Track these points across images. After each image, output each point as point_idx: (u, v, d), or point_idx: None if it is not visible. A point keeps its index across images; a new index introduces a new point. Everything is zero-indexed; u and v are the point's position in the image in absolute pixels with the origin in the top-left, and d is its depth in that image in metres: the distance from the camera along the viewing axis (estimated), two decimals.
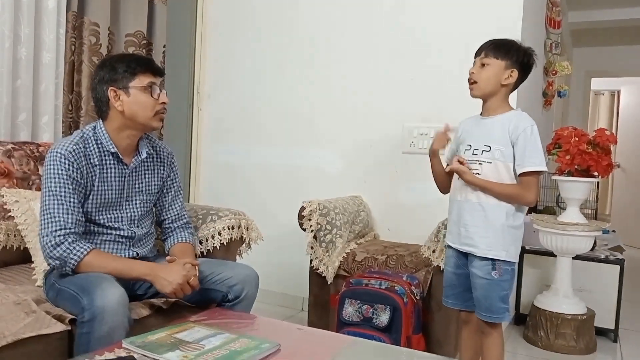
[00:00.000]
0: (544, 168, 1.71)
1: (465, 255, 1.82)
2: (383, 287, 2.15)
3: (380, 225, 2.94)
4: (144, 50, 2.88)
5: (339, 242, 2.51)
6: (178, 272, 1.53)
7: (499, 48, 1.75)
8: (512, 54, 1.74)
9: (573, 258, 2.71)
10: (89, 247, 1.53)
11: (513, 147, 1.71)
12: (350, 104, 3.00)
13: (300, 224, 2.48)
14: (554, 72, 3.39)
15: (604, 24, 5.22)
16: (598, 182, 2.88)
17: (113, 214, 1.67)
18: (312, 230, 2.46)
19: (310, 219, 2.46)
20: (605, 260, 2.86)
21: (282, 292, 3.14)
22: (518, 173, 1.72)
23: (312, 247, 2.49)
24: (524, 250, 2.98)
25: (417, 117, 2.80)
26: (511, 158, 1.72)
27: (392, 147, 2.88)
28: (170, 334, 1.33)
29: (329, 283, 2.45)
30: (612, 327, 2.84)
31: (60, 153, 1.55)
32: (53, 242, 1.50)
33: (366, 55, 2.96)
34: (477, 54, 1.79)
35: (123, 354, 1.20)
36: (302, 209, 2.47)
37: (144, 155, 1.71)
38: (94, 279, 1.44)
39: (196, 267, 1.61)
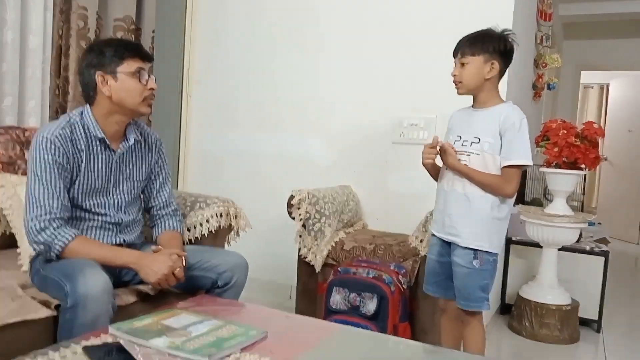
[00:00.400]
0: (529, 162, 1.72)
1: (449, 244, 1.84)
2: (371, 275, 2.17)
3: (369, 214, 2.94)
4: (132, 36, 2.84)
5: (327, 231, 2.51)
6: (164, 263, 1.53)
7: (474, 43, 1.75)
8: (488, 46, 1.74)
9: (559, 249, 2.74)
10: (74, 233, 1.52)
11: (501, 139, 1.72)
12: (340, 93, 2.99)
13: (289, 213, 2.48)
14: (544, 64, 3.40)
15: (595, 17, 5.24)
16: (585, 175, 2.91)
17: (100, 199, 1.66)
18: (300, 219, 2.46)
19: (299, 208, 2.46)
20: (590, 252, 2.90)
21: (270, 280, 3.14)
22: (502, 165, 1.73)
23: (300, 236, 2.49)
24: (510, 241, 3.01)
25: (407, 107, 2.80)
26: (499, 150, 1.73)
27: (382, 137, 2.88)
28: (157, 320, 1.33)
29: (317, 272, 2.46)
30: (596, 317, 2.88)
31: (47, 137, 1.53)
32: (38, 227, 1.48)
33: (357, 45, 2.95)
34: (455, 55, 1.79)
35: (109, 339, 1.20)
36: (291, 197, 2.47)
37: (132, 141, 1.69)
38: (77, 266, 1.42)
39: (183, 258, 1.60)
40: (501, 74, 1.79)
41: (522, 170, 1.77)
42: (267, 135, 3.21)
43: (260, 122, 3.23)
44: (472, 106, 1.84)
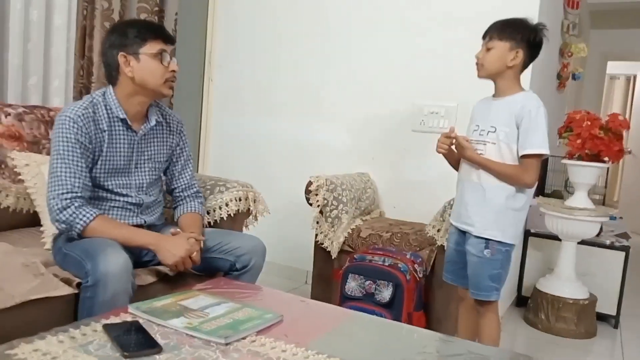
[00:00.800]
0: (546, 151, 1.70)
1: (465, 233, 1.83)
2: (386, 263, 2.17)
3: (387, 203, 2.94)
4: (155, 17, 2.85)
5: (344, 218, 2.51)
6: (182, 246, 1.55)
7: (503, 29, 1.73)
8: (517, 34, 1.72)
9: (578, 243, 2.70)
10: (95, 212, 1.54)
11: (518, 128, 1.70)
12: (361, 80, 2.98)
13: (307, 199, 2.49)
14: (569, 54, 3.33)
15: (624, 5, 5.10)
16: (608, 168, 2.86)
17: (121, 180, 1.68)
18: (318, 205, 2.47)
19: (317, 194, 2.46)
20: (610, 247, 2.86)
21: (286, 265, 3.17)
22: (520, 154, 1.71)
23: (317, 222, 2.50)
24: (528, 233, 2.98)
25: (428, 95, 2.77)
26: (515, 140, 1.71)
27: (402, 124, 2.86)
28: (175, 301, 1.35)
29: (333, 258, 2.47)
30: (614, 313, 2.85)
31: (69, 117, 1.55)
32: (60, 206, 1.51)
33: (378, 31, 2.92)
34: (484, 37, 1.77)
35: (129, 318, 1.22)
36: (309, 184, 2.48)
37: (153, 122, 1.71)
38: (98, 244, 1.45)
39: (200, 242, 1.62)
40: (525, 65, 1.77)
41: (542, 159, 1.74)
42: (287, 121, 3.21)
43: (281, 107, 3.23)
44: (493, 96, 1.82)
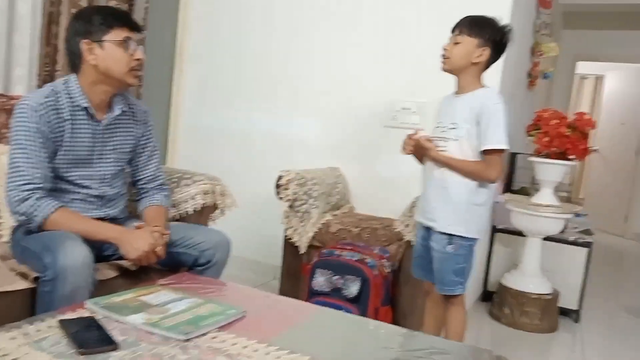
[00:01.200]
0: (506, 146, 1.72)
1: (429, 229, 1.85)
2: (354, 258, 2.17)
3: (358, 198, 2.94)
4: (126, 6, 2.78)
5: (314, 213, 2.51)
6: (145, 240, 1.52)
7: (473, 25, 1.74)
8: (486, 32, 1.74)
9: (543, 239, 2.76)
10: (56, 204, 1.50)
11: (478, 124, 1.72)
12: (334, 74, 2.97)
13: (277, 193, 2.47)
14: (540, 53, 3.38)
15: (596, 7, 5.21)
16: (575, 166, 2.92)
17: (83, 171, 1.64)
18: (288, 200, 2.46)
19: (287, 189, 2.45)
20: (574, 243, 2.92)
21: (255, 260, 3.15)
22: (481, 150, 1.73)
23: (287, 217, 2.49)
24: (495, 229, 3.02)
25: (400, 91, 2.78)
26: (476, 136, 1.73)
27: (374, 119, 2.86)
28: (135, 296, 1.33)
29: (301, 253, 2.47)
30: (576, 307, 2.92)
31: (30, 105, 1.51)
32: (19, 197, 1.47)
33: (351, 26, 2.91)
34: (453, 30, 1.78)
35: (86, 314, 1.19)
36: (279, 178, 2.46)
37: (118, 112, 1.67)
38: (58, 238, 1.41)
39: (165, 236, 1.59)
40: (487, 64, 1.79)
41: (503, 154, 1.77)
42: (258, 114, 3.18)
43: (253, 100, 3.19)
44: (455, 92, 1.84)
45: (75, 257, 1.36)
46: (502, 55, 1.80)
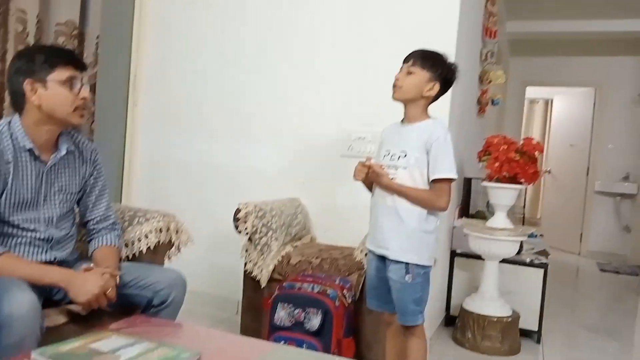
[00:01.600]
0: (455, 176, 1.78)
1: (383, 259, 1.86)
2: (315, 290, 2.15)
3: (318, 227, 2.94)
4: (75, 41, 2.74)
5: (274, 245, 2.48)
6: (95, 282, 1.47)
7: (426, 59, 1.80)
8: (437, 68, 1.79)
9: (500, 262, 2.81)
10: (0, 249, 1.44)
11: (427, 154, 1.76)
12: (291, 105, 2.99)
13: (236, 227, 2.44)
14: (488, 80, 3.51)
15: (541, 35, 5.48)
16: (526, 188, 3.00)
17: (29, 214, 1.58)
18: (247, 233, 2.43)
19: (245, 221, 2.42)
20: (530, 264, 2.98)
21: (217, 295, 3.08)
22: (430, 179, 1.77)
23: (246, 250, 2.45)
24: (454, 254, 3.07)
25: (355, 121, 2.82)
26: (425, 164, 1.77)
27: (331, 149, 2.88)
28: (85, 343, 1.27)
29: (262, 287, 2.43)
30: (536, 328, 2.97)
31: None
32: None
33: (306, 57, 2.95)
34: (406, 61, 1.83)
35: None
36: (238, 211, 2.43)
37: (64, 152, 1.62)
38: (3, 284, 1.35)
39: (116, 277, 1.55)
40: (435, 97, 1.84)
41: (451, 183, 1.81)
42: (216, 146, 3.16)
43: (209, 132, 3.18)
44: (402, 121, 1.88)
45: (20, 304, 1.30)
46: (445, 92, 1.86)
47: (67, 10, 2.70)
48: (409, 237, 1.78)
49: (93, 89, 2.80)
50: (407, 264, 1.78)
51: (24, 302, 1.31)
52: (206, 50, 3.18)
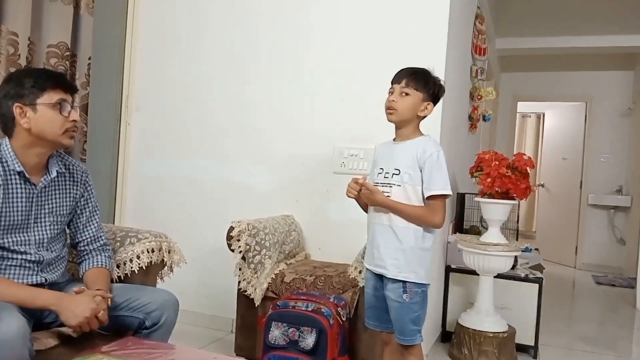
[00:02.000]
0: (449, 192, 1.78)
1: (381, 277, 1.85)
2: (310, 309, 2.14)
3: (312, 244, 2.93)
4: (67, 63, 2.75)
5: (267, 264, 2.47)
6: (86, 305, 1.46)
7: (419, 80, 1.80)
8: (429, 87, 1.81)
9: (495, 277, 2.80)
10: None
11: (421, 171, 1.77)
12: (284, 122, 3.00)
13: (229, 245, 2.43)
14: (479, 97, 3.54)
15: (531, 51, 5.56)
16: (518, 204, 3.01)
17: (19, 237, 1.57)
18: (240, 252, 2.42)
19: (238, 240, 2.42)
20: (525, 279, 2.98)
21: (211, 314, 3.06)
22: (425, 196, 1.78)
23: (240, 269, 2.44)
24: (449, 269, 3.06)
25: (348, 138, 2.84)
26: (419, 182, 1.78)
27: (324, 166, 2.89)
28: None
29: (256, 305, 2.41)
30: (532, 343, 2.95)
31: None
32: None
33: (298, 75, 2.97)
34: (397, 81, 1.83)
35: None
36: (231, 229, 2.43)
37: (54, 174, 1.62)
38: None
39: (107, 300, 1.54)
40: (426, 116, 1.86)
41: (446, 199, 1.81)
42: (208, 164, 3.16)
43: (202, 150, 3.18)
44: (394, 139, 1.89)
45: (9, 328, 1.28)
46: (436, 105, 1.88)
47: (59, 32, 2.71)
48: (405, 255, 1.78)
49: (85, 109, 2.81)
50: (404, 282, 1.78)
51: (12, 326, 1.29)
52: (198, 70, 3.20)
